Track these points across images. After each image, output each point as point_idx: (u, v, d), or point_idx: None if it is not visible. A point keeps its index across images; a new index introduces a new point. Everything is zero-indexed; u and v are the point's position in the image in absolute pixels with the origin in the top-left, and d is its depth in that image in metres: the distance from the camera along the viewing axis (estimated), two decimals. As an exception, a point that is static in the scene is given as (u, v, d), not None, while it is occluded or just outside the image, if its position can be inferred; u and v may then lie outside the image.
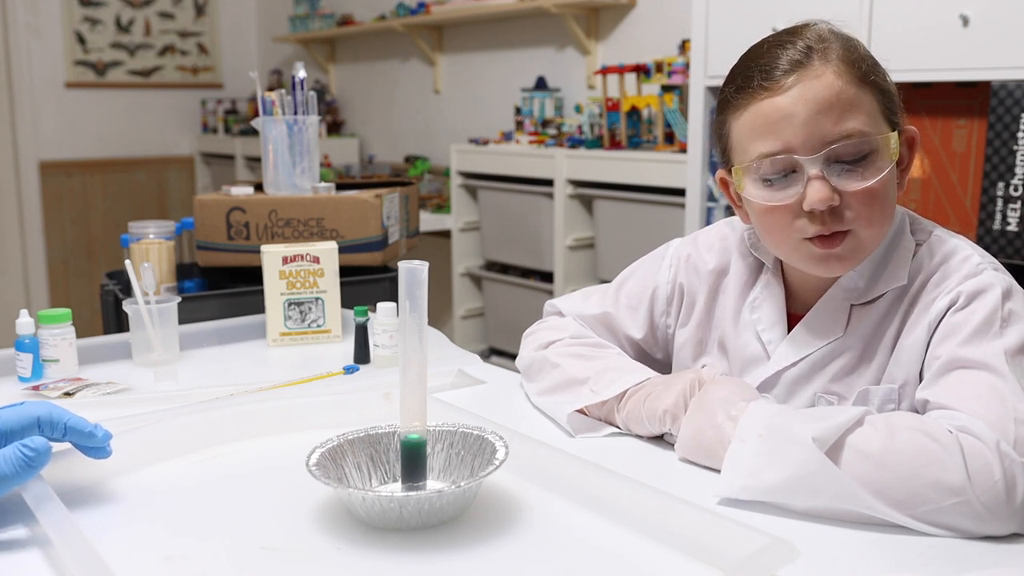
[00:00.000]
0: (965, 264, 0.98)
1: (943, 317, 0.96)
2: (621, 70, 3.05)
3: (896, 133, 0.99)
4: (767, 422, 0.91)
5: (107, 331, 1.73)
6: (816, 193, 0.95)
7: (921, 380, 0.98)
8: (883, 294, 1.02)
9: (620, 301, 1.24)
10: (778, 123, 0.96)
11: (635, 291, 1.23)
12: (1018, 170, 1.85)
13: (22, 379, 1.35)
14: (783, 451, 0.87)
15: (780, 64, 0.98)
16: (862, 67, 0.98)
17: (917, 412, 0.96)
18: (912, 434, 0.85)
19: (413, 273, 0.85)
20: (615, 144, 3.09)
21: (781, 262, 1.11)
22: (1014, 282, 0.97)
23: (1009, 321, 0.92)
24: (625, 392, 1.09)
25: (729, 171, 1.05)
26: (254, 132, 3.02)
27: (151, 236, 1.73)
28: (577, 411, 1.12)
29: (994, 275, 0.96)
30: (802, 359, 1.05)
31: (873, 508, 0.83)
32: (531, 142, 3.47)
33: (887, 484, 0.83)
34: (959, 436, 0.84)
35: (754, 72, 0.99)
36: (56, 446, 0.90)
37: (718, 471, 0.94)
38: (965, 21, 1.91)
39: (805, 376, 1.05)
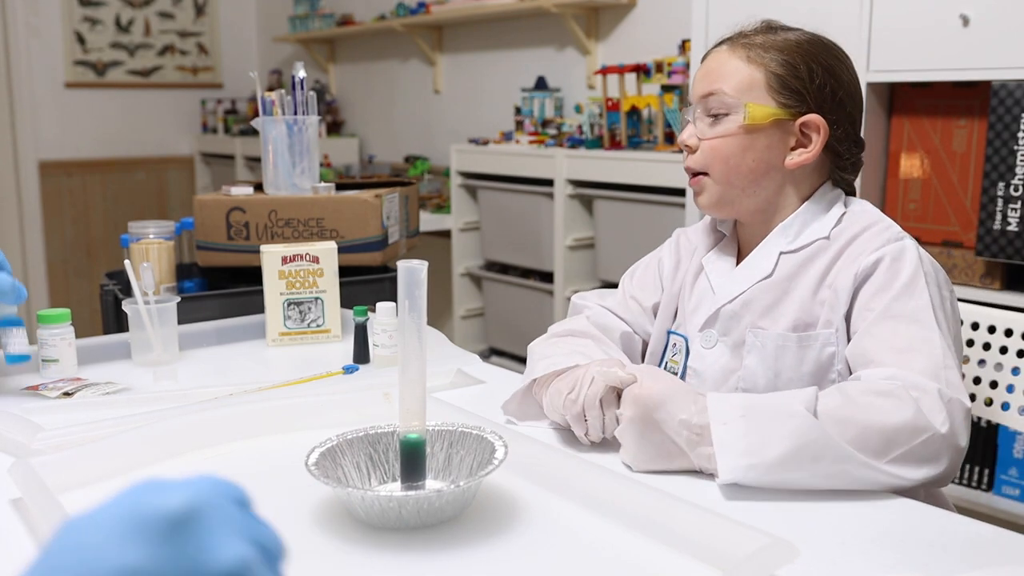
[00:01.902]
0: (888, 231, 1.13)
1: (871, 274, 1.09)
2: (621, 70, 3.05)
3: (775, 108, 1.14)
4: (743, 403, 0.95)
5: (107, 331, 1.73)
6: (683, 132, 1.20)
7: (848, 325, 1.11)
8: (807, 244, 1.16)
9: (635, 283, 1.33)
10: (692, 83, 1.23)
11: (644, 273, 1.34)
12: (1018, 170, 1.85)
13: (10, 359, 1.30)
14: (779, 424, 0.92)
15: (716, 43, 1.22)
16: (758, 51, 1.15)
17: (847, 361, 1.10)
18: (867, 396, 0.96)
19: (412, 273, 0.85)
20: (615, 144, 3.09)
21: (736, 230, 1.26)
22: (923, 251, 1.13)
23: (927, 281, 1.08)
24: (554, 373, 1.13)
25: None
26: (254, 132, 3.02)
27: (151, 236, 1.73)
28: (534, 397, 1.17)
29: (912, 243, 1.11)
30: (737, 296, 1.18)
31: (861, 463, 0.92)
32: (531, 142, 3.46)
33: (865, 438, 0.93)
34: (906, 388, 0.97)
35: None
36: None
37: (679, 471, 0.97)
38: (965, 21, 1.91)
39: (738, 312, 1.18)
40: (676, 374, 1.22)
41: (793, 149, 1.16)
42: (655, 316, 1.30)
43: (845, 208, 1.18)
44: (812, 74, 1.15)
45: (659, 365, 1.26)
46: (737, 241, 1.26)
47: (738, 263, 1.23)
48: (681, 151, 1.24)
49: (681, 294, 1.27)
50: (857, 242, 1.13)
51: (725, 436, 0.93)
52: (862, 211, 1.18)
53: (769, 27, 1.19)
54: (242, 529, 0.43)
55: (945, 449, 0.95)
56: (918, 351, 1.02)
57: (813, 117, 1.14)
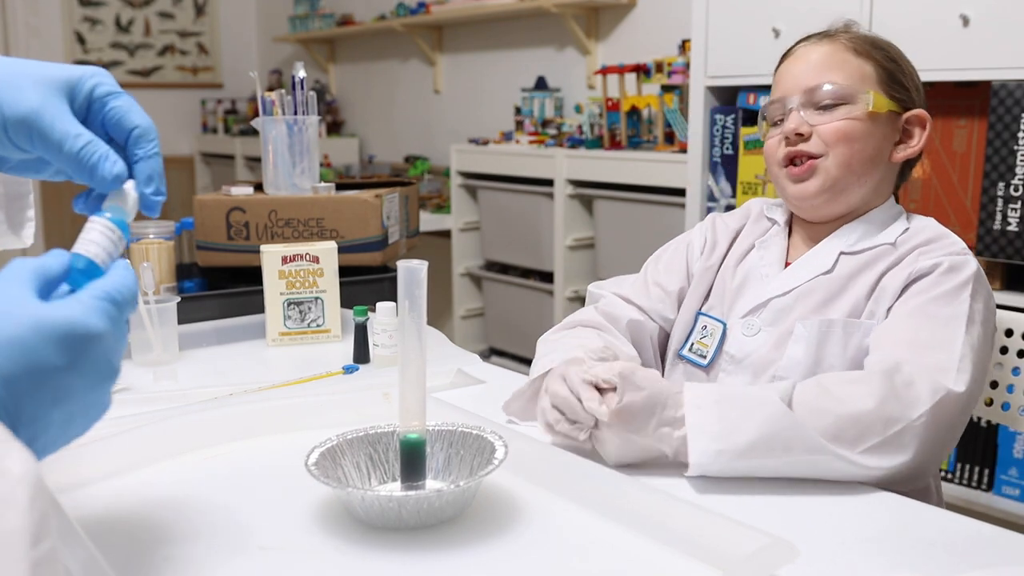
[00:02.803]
0: (954, 246, 1.14)
1: (925, 275, 1.11)
2: (621, 70, 3.05)
3: (888, 99, 1.17)
4: (719, 391, 0.96)
5: (107, 331, 1.73)
6: (789, 122, 1.18)
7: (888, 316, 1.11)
8: (870, 248, 1.17)
9: (660, 268, 1.33)
10: (781, 78, 1.22)
11: (671, 258, 1.33)
12: (1018, 170, 1.85)
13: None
14: (751, 410, 0.93)
15: (800, 41, 1.23)
16: (865, 45, 1.18)
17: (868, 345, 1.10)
18: (841, 386, 0.97)
19: (412, 272, 0.85)
20: (615, 144, 3.09)
21: (790, 223, 1.26)
22: (983, 273, 1.14)
23: (975, 297, 1.09)
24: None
25: None
26: (254, 132, 3.02)
27: (151, 236, 1.73)
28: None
29: (975, 262, 1.13)
30: (791, 290, 1.18)
31: (834, 454, 0.92)
32: (531, 142, 3.47)
33: (839, 427, 0.93)
34: (891, 376, 0.97)
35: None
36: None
37: (665, 470, 0.96)
38: (965, 21, 1.91)
39: (790, 305, 1.18)
40: (705, 357, 1.22)
41: (896, 144, 1.19)
42: (678, 301, 1.29)
43: (908, 223, 1.20)
44: (911, 71, 1.20)
45: (684, 346, 1.26)
46: (788, 234, 1.26)
47: (788, 255, 1.24)
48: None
49: (720, 276, 1.27)
50: (922, 250, 1.14)
51: (698, 420, 0.93)
52: (926, 225, 1.19)
53: (851, 27, 1.22)
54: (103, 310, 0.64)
55: (914, 439, 0.95)
56: (934, 349, 1.02)
57: (921, 112, 1.19)
